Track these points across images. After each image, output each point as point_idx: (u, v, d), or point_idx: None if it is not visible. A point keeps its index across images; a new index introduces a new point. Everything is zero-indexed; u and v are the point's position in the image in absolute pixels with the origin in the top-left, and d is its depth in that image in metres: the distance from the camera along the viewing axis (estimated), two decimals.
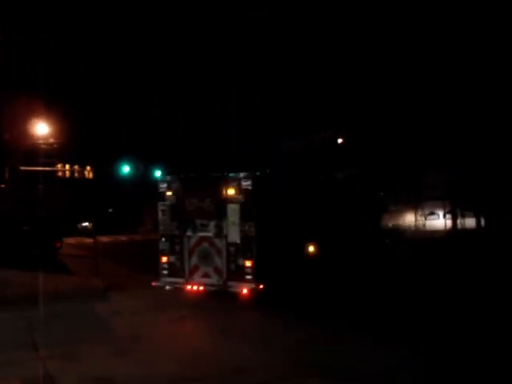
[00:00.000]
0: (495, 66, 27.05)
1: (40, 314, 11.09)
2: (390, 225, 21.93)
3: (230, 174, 12.91)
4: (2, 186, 23.58)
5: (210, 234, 12.96)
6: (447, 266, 17.04)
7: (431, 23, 28.41)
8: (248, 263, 12.28)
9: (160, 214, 13.72)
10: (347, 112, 35.02)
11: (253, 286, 12.04)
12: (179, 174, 14.39)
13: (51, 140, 37.04)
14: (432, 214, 32.23)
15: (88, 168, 38.12)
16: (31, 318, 10.89)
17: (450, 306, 11.58)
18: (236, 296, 12.20)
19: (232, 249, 12.57)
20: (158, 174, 49.07)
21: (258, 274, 12.11)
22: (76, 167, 37.55)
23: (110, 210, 71.17)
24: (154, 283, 13.29)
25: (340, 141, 40.77)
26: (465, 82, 28.10)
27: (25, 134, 33.12)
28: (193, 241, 13.20)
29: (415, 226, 29.61)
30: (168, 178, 14.05)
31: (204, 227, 13.11)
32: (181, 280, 13.10)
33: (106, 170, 41.26)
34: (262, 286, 12.08)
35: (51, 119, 36.24)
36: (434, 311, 11.15)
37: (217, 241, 12.87)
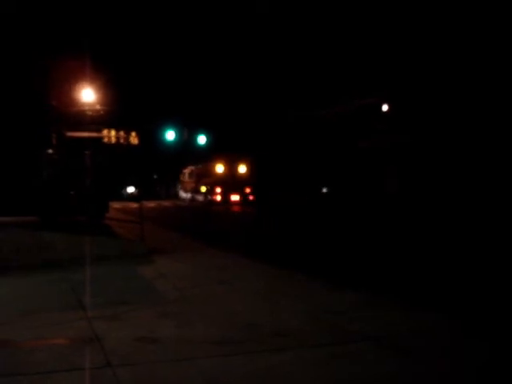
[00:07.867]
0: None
1: (85, 276, 11.25)
2: None
3: None
4: (50, 151, 23.92)
5: None
6: None
7: None
8: None
9: None
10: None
11: None
12: None
13: (97, 106, 37.50)
14: None
15: (133, 134, 38.54)
16: (76, 280, 11.04)
17: None
18: None
19: None
20: (202, 140, 49.26)
21: None
22: (121, 133, 37.96)
23: (155, 177, 71.95)
24: None
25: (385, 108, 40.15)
26: None
27: (72, 101, 33.52)
28: None
29: None
30: None
31: None
32: None
33: (150, 136, 41.59)
34: None
35: (97, 86, 36.62)
36: None
37: None
